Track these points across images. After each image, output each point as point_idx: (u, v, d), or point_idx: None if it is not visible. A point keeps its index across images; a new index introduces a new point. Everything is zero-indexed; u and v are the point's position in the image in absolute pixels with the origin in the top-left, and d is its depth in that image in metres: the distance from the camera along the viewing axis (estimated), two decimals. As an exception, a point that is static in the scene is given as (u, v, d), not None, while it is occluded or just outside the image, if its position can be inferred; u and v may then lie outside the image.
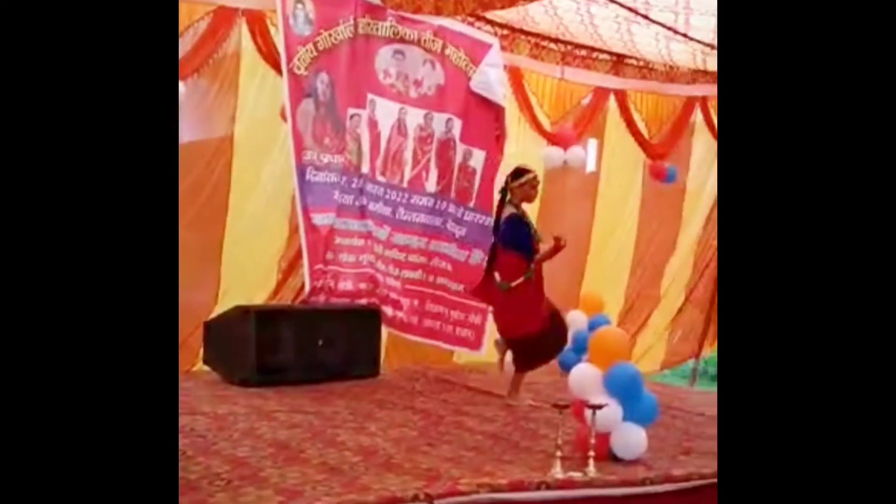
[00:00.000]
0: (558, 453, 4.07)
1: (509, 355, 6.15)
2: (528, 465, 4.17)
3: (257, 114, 6.65)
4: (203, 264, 6.49)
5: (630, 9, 6.12)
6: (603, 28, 7.02)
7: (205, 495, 3.42)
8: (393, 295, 6.89)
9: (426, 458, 4.19)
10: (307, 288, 6.28)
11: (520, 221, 5.93)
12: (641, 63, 8.29)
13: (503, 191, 6.05)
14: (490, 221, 7.28)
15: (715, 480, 4.32)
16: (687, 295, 9.32)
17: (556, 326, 6.04)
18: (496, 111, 7.38)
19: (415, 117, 7.09)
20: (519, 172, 6.05)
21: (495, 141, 7.40)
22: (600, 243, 8.76)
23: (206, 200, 6.46)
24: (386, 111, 6.92)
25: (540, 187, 8.21)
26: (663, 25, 6.28)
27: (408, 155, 7.06)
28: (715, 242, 9.27)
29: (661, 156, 8.56)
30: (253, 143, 6.62)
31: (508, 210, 5.93)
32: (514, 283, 5.81)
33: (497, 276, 5.96)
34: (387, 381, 6.25)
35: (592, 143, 8.60)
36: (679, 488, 4.20)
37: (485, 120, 7.34)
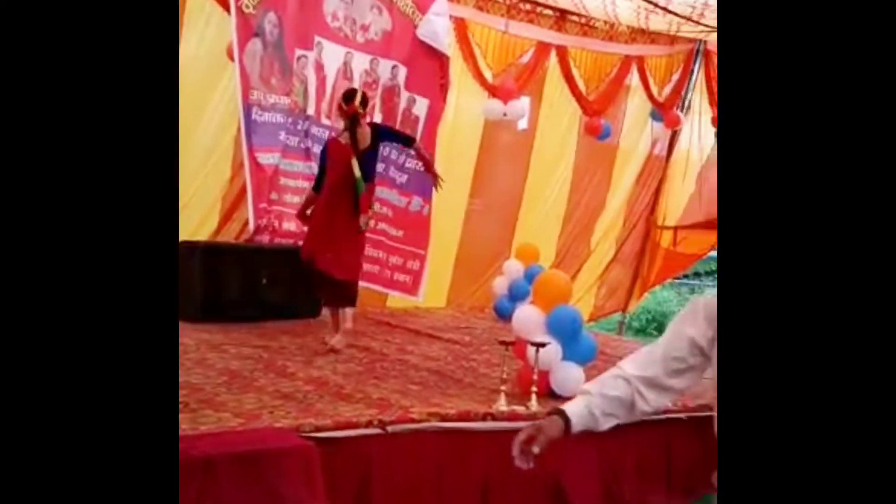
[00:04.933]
0: (503, 387, 4.25)
1: None
2: (473, 398, 4.34)
3: (202, 51, 6.60)
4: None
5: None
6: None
7: (163, 418, 3.49)
8: (334, 238, 6.95)
9: (375, 389, 4.33)
10: (251, 226, 6.30)
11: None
12: (583, 20, 8.42)
13: (355, 117, 5.47)
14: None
15: (644, 418, 4.59)
16: (616, 251, 9.62)
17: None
18: (441, 60, 7.45)
19: (361, 62, 7.11)
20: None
21: (439, 90, 7.49)
22: (534, 197, 8.94)
23: (148, 136, 6.40)
24: (332, 54, 6.93)
25: (478, 140, 8.45)
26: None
27: (353, 99, 7.08)
28: (645, 201, 9.60)
29: (597, 113, 8.74)
30: (197, 81, 6.57)
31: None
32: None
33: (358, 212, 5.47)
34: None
35: (526, 101, 8.73)
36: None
37: (429, 68, 7.41)
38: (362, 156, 5.46)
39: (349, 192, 5.40)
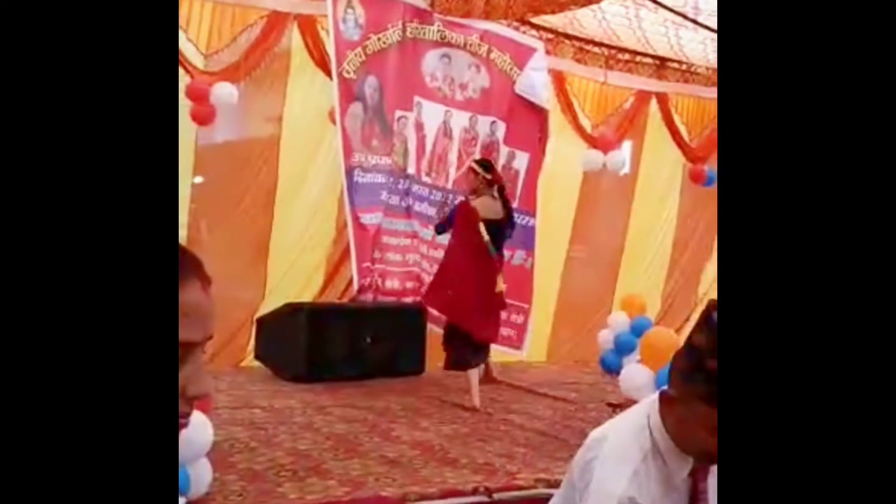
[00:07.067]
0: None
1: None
2: (581, 462, 4.24)
3: (305, 115, 6.78)
4: (251, 261, 6.65)
5: (679, 13, 6.16)
6: (650, 32, 7.06)
7: (272, 485, 3.53)
8: (438, 294, 6.97)
9: (480, 453, 4.28)
10: (355, 285, 6.38)
11: None
12: (684, 66, 8.31)
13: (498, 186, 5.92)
14: (532, 222, 7.41)
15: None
16: (724, 299, 9.31)
17: None
18: (539, 114, 7.48)
19: (460, 120, 7.18)
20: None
21: (538, 143, 7.50)
22: (637, 246, 8.79)
23: (253, 199, 6.61)
24: (432, 113, 7.02)
25: (578, 188, 8.38)
26: (712, 29, 6.30)
27: (453, 157, 7.15)
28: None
29: (700, 159, 8.57)
30: (300, 144, 6.76)
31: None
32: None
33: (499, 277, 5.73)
34: (432, 378, 6.32)
35: (627, 145, 8.65)
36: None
37: (528, 123, 7.44)
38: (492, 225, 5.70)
39: (485, 257, 5.62)
